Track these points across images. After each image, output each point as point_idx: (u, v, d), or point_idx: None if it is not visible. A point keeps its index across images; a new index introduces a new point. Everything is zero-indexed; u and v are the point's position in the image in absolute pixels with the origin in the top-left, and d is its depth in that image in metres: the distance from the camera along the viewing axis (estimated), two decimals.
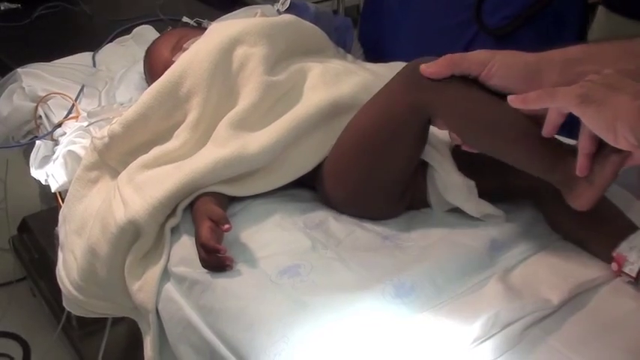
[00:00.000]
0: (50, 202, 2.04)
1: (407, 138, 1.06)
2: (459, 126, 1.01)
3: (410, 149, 1.08)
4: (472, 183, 1.07)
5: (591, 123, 0.83)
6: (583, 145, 0.88)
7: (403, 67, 1.04)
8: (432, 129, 1.09)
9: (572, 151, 0.91)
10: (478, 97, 0.98)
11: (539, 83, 0.93)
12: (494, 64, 0.96)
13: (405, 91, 1.03)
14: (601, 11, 1.58)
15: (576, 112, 0.84)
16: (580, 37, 1.55)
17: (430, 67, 0.98)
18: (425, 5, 1.56)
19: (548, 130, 0.92)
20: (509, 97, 0.92)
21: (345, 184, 1.12)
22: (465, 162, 1.10)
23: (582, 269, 0.98)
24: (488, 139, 0.99)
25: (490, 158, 1.06)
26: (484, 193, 1.08)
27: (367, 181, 1.09)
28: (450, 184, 1.09)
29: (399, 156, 1.07)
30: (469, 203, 1.07)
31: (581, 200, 0.92)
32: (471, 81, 0.99)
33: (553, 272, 0.97)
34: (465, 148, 1.04)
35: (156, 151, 1.18)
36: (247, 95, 1.19)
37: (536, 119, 0.94)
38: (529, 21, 1.44)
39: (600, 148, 0.87)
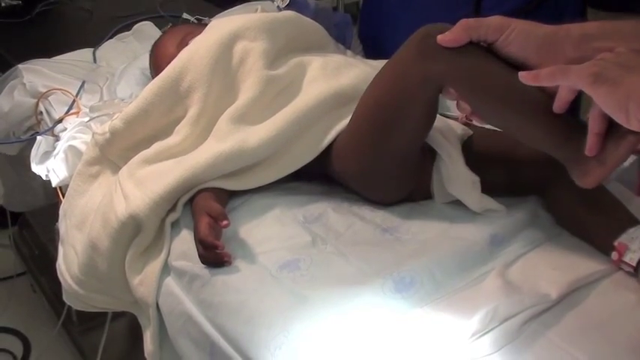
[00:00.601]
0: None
1: (418, 108, 1.04)
2: (471, 96, 0.99)
3: (420, 120, 1.07)
4: (477, 178, 1.07)
5: (603, 103, 0.82)
6: (593, 124, 0.87)
7: (413, 35, 1.01)
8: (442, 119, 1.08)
9: (584, 127, 0.90)
10: (492, 68, 0.96)
11: (555, 55, 0.92)
12: (513, 31, 0.94)
13: (417, 61, 1.00)
14: (590, 12, 1.58)
15: (588, 91, 0.82)
16: None
17: (447, 36, 0.96)
18: (424, 2, 1.56)
19: (558, 105, 0.91)
20: (520, 73, 0.90)
21: (359, 157, 1.11)
22: (474, 156, 1.10)
23: (581, 264, 0.98)
24: (499, 110, 0.97)
25: (499, 155, 1.06)
26: (489, 188, 1.08)
27: (380, 152, 1.09)
28: (455, 175, 1.09)
29: (410, 127, 1.06)
30: (471, 198, 1.08)
31: (588, 178, 0.90)
32: (485, 50, 0.97)
33: (552, 267, 0.98)
34: (474, 117, 1.03)
35: (157, 146, 1.18)
36: (247, 90, 1.19)
37: (550, 94, 0.92)
38: (528, 17, 1.44)
39: (615, 127, 0.86)
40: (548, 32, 0.94)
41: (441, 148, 1.11)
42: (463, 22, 0.96)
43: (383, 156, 1.09)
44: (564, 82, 0.86)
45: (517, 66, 0.94)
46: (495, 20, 0.96)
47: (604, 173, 0.89)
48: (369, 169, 1.11)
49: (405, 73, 1.02)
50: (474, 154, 1.11)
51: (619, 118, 0.81)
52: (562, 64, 0.89)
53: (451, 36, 0.96)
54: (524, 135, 0.98)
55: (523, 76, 0.89)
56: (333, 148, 1.16)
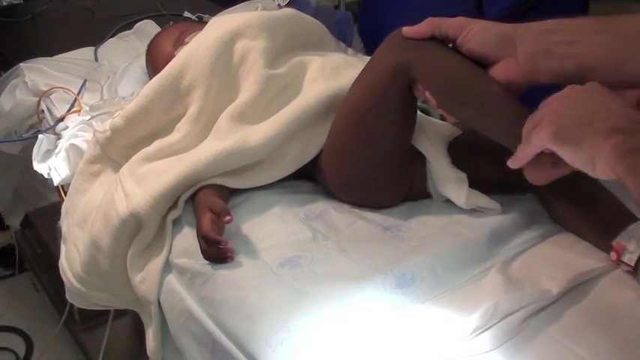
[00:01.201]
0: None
1: (394, 104, 1.06)
2: (435, 86, 1.01)
3: (399, 117, 1.08)
4: (463, 175, 1.08)
5: (569, 159, 0.81)
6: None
7: (388, 36, 1.06)
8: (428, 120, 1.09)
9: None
10: (455, 60, 0.99)
11: (514, 51, 0.95)
12: (472, 29, 0.98)
13: (388, 54, 1.05)
14: (592, 5, 1.59)
15: (555, 150, 0.82)
16: None
17: (411, 29, 1.02)
18: None
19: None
20: (509, 162, 0.90)
21: (343, 166, 1.12)
22: (467, 154, 1.11)
23: (582, 260, 0.98)
24: (458, 100, 1.00)
25: (492, 152, 1.06)
26: (483, 184, 1.09)
27: (363, 158, 1.10)
28: (442, 175, 1.10)
29: (390, 127, 1.08)
30: (458, 195, 1.08)
31: (538, 176, 0.91)
32: (447, 46, 1.01)
33: (552, 263, 0.98)
34: (439, 111, 1.05)
35: (157, 144, 1.18)
36: (248, 88, 1.19)
37: (511, 87, 0.95)
38: (530, 11, 1.45)
39: None
40: (507, 29, 0.97)
41: (424, 149, 1.12)
42: (428, 19, 1.02)
43: (366, 163, 1.10)
44: (533, 151, 0.86)
45: (478, 62, 0.98)
46: (457, 20, 1.00)
47: (556, 175, 0.89)
48: (354, 179, 1.12)
49: (379, 67, 1.06)
50: (467, 151, 1.12)
51: (586, 170, 0.80)
52: (521, 58, 0.93)
53: (415, 29, 1.02)
54: (483, 127, 1.00)
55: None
56: (317, 162, 1.16)
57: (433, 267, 0.96)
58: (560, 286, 0.92)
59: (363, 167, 1.10)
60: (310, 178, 1.20)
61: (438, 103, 1.01)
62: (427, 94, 1.02)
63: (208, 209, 1.04)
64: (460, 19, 1.00)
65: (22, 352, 2.19)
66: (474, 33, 0.97)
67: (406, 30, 1.02)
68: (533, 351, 0.85)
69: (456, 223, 1.06)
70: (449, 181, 1.09)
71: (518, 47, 0.94)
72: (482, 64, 0.98)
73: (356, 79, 1.12)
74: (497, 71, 0.96)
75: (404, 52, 1.02)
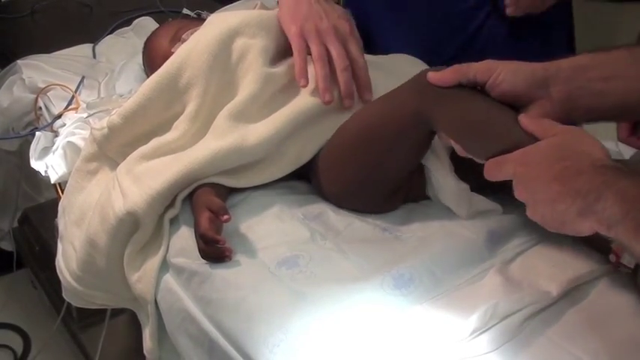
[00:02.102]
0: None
1: (407, 144, 1.05)
2: (461, 137, 0.99)
3: (410, 155, 1.07)
4: (465, 186, 1.07)
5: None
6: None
7: (413, 77, 1.04)
8: None
9: None
10: (483, 109, 0.97)
11: (547, 91, 0.94)
12: (502, 71, 0.96)
13: (410, 99, 1.02)
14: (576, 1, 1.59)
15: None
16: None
17: (437, 75, 0.98)
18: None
19: None
20: None
21: (341, 180, 1.12)
22: (465, 159, 1.10)
23: (581, 261, 0.98)
24: (489, 152, 0.95)
25: None
26: (484, 188, 1.08)
27: (363, 178, 1.09)
28: (444, 185, 1.09)
29: (398, 160, 1.07)
30: (459, 207, 1.07)
31: None
32: (477, 91, 0.98)
33: (552, 264, 0.97)
34: (462, 155, 1.02)
35: (155, 142, 1.18)
36: (246, 87, 1.19)
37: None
38: (512, 34, 1.44)
39: None
40: (537, 68, 0.95)
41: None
42: (455, 66, 0.98)
43: (366, 183, 1.09)
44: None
45: (510, 105, 0.96)
46: (485, 63, 0.98)
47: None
48: (350, 193, 1.11)
49: (398, 106, 1.04)
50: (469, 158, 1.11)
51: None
52: (556, 98, 0.92)
53: (440, 75, 0.98)
54: None
55: None
56: (313, 166, 1.16)
57: (432, 268, 0.96)
58: (559, 288, 0.92)
59: (362, 186, 1.10)
60: (308, 178, 1.19)
61: (465, 150, 0.99)
62: (452, 142, 1.00)
63: (206, 208, 1.04)
64: (487, 63, 0.98)
65: (19, 350, 2.20)
66: (504, 76, 0.95)
67: (432, 77, 0.98)
68: (532, 353, 0.85)
69: (455, 224, 1.05)
70: (450, 192, 1.08)
71: (552, 87, 0.93)
72: (514, 106, 0.96)
73: (371, 106, 1.12)
74: (532, 113, 0.94)
75: (427, 101, 0.99)
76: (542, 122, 0.91)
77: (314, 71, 1.18)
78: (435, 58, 1.37)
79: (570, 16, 1.53)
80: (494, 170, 0.91)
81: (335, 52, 1.18)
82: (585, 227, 0.81)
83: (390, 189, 1.11)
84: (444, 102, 0.98)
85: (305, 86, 1.16)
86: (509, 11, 1.28)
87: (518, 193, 0.87)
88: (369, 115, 1.10)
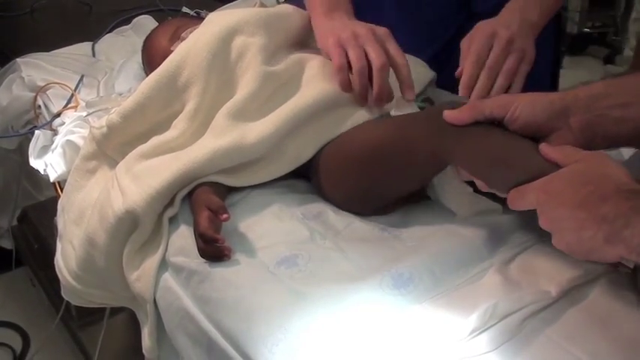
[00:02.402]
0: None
1: (418, 173, 1.05)
2: (481, 172, 0.98)
3: (417, 181, 1.07)
4: (469, 189, 1.06)
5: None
6: None
7: (427, 112, 1.04)
8: None
9: None
10: (500, 144, 0.96)
11: (566, 121, 0.94)
12: (518, 105, 0.95)
13: (427, 138, 1.01)
14: None
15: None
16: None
17: (453, 114, 0.97)
18: None
19: None
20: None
21: (343, 188, 1.11)
22: None
23: (580, 261, 0.97)
24: (509, 185, 0.94)
25: None
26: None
27: (365, 191, 1.09)
28: (446, 187, 1.08)
29: (405, 183, 1.07)
30: (461, 208, 1.07)
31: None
32: (494, 125, 0.98)
33: (552, 264, 0.97)
34: (485, 190, 1.01)
35: (154, 141, 1.18)
36: (245, 85, 1.18)
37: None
38: None
39: None
40: (555, 99, 0.95)
41: None
42: (470, 104, 0.98)
43: (369, 196, 1.09)
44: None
45: (530, 137, 0.95)
46: (500, 99, 0.98)
47: None
48: (351, 200, 1.11)
49: (413, 141, 1.02)
50: None
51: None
52: (576, 128, 0.92)
53: (457, 114, 0.97)
54: None
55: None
56: (313, 165, 1.15)
57: (431, 267, 0.95)
58: (558, 288, 0.91)
59: (363, 196, 1.10)
60: (308, 177, 1.19)
61: (489, 186, 0.98)
62: (474, 178, 1.00)
63: (206, 207, 1.04)
64: (503, 98, 0.98)
65: (18, 348, 2.20)
66: (521, 109, 0.95)
67: (448, 117, 0.97)
68: (532, 352, 0.85)
69: (454, 224, 1.05)
70: (451, 192, 1.08)
71: (571, 117, 0.93)
72: (534, 138, 0.95)
73: (384, 123, 1.11)
74: (553, 144, 0.94)
75: (445, 142, 0.98)
76: (564, 149, 0.91)
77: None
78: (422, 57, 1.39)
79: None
80: (517, 200, 0.90)
81: (373, 52, 1.16)
82: (613, 254, 0.81)
83: (392, 200, 1.11)
84: (463, 140, 0.97)
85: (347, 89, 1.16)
86: None
87: (542, 222, 0.87)
88: (380, 136, 1.08)
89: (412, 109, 1.18)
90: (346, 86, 1.17)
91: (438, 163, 1.01)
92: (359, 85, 1.16)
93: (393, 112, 1.17)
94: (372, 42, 1.18)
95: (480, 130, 0.97)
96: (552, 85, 1.61)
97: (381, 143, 1.07)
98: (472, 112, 0.97)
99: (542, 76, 1.54)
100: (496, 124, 0.98)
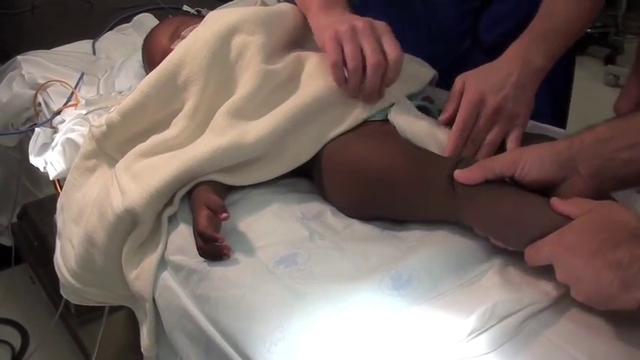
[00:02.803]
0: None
1: (426, 214, 1.05)
2: (496, 232, 0.98)
3: (425, 217, 1.06)
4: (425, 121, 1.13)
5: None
6: None
7: (444, 163, 1.02)
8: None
9: None
10: (512, 200, 0.96)
11: (575, 169, 0.94)
12: (527, 161, 0.96)
13: (438, 200, 1.01)
14: None
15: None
16: None
17: (463, 174, 0.98)
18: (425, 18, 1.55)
19: None
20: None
21: (346, 198, 1.11)
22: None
23: None
24: (523, 242, 0.94)
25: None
26: None
27: (368, 204, 1.09)
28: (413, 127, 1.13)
29: (411, 214, 1.07)
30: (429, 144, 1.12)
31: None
32: (505, 183, 0.98)
33: (550, 266, 0.97)
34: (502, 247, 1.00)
35: (153, 140, 1.17)
36: (245, 84, 1.18)
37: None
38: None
39: None
40: (562, 149, 0.95)
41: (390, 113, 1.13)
42: (480, 164, 0.98)
43: (372, 208, 1.09)
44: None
45: (543, 190, 0.96)
46: (508, 156, 0.99)
47: None
48: (353, 207, 1.11)
49: (429, 188, 1.01)
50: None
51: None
52: (585, 175, 0.93)
53: (468, 176, 0.97)
54: None
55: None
56: (319, 171, 1.15)
57: (430, 268, 0.95)
58: (558, 289, 0.91)
59: (366, 208, 1.10)
60: (308, 175, 1.19)
61: (505, 245, 0.98)
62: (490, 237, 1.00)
63: (205, 206, 1.04)
64: (511, 155, 0.99)
65: (17, 345, 2.20)
66: (530, 164, 0.95)
67: (459, 176, 0.97)
68: (531, 353, 0.85)
69: (454, 225, 1.04)
70: (418, 132, 1.11)
71: (580, 165, 0.94)
72: (547, 189, 0.96)
73: (397, 147, 1.09)
74: (565, 193, 0.94)
75: (455, 200, 0.99)
76: (575, 202, 0.91)
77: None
78: None
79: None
80: (534, 256, 0.91)
81: (369, 49, 1.14)
82: (633, 301, 0.81)
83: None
84: (475, 199, 0.97)
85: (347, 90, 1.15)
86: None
87: (559, 275, 0.87)
88: (394, 163, 1.05)
89: (410, 109, 1.19)
90: (341, 82, 1.16)
91: (449, 217, 1.02)
92: (352, 83, 1.15)
93: (391, 115, 1.18)
94: (368, 37, 1.15)
95: (492, 189, 0.97)
96: (567, 84, 1.60)
97: (394, 170, 1.05)
98: (482, 172, 0.97)
99: (556, 76, 1.54)
100: (507, 181, 0.99)
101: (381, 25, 1.19)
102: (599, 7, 1.30)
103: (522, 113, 1.16)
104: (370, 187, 1.07)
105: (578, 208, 0.90)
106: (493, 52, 1.31)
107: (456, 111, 1.15)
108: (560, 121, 1.58)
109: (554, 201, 0.92)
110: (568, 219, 0.89)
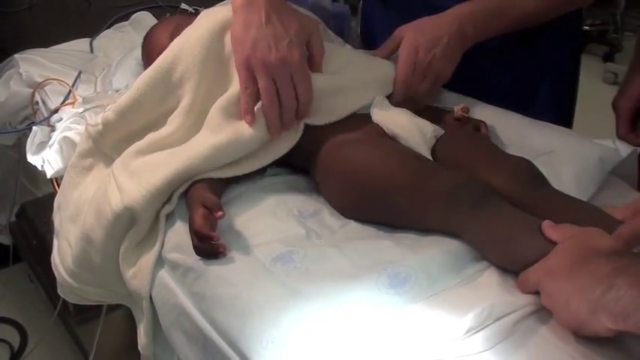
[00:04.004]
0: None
1: (424, 225, 1.04)
2: (489, 253, 0.98)
3: (422, 227, 1.06)
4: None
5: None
6: None
7: (445, 180, 1.01)
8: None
9: None
10: (506, 221, 0.96)
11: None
12: None
13: (441, 209, 1.00)
14: None
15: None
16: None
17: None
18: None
19: None
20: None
21: (342, 202, 1.11)
22: (442, 159, 1.13)
23: None
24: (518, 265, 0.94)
25: (463, 162, 1.08)
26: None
27: (365, 210, 1.09)
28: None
29: (408, 223, 1.06)
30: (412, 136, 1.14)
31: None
32: (504, 203, 0.98)
33: None
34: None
35: (150, 137, 1.17)
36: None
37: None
38: (523, 40, 1.44)
39: None
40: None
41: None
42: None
43: (369, 214, 1.09)
44: None
45: None
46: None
47: None
48: (350, 210, 1.11)
49: (427, 202, 1.01)
50: (440, 157, 1.13)
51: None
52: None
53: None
54: None
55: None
56: (314, 171, 1.16)
57: (427, 267, 0.95)
58: None
59: (362, 213, 1.09)
60: (306, 172, 1.19)
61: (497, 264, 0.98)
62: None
63: (201, 204, 1.04)
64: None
65: (16, 343, 2.20)
66: None
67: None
68: (527, 352, 0.84)
69: None
70: (402, 126, 1.13)
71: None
72: None
73: (397, 155, 1.09)
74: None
75: (452, 217, 0.99)
76: (562, 227, 0.91)
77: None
78: None
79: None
80: (523, 284, 0.90)
81: (282, 89, 1.13)
82: (601, 327, 0.78)
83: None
84: (474, 217, 0.97)
85: (251, 122, 1.12)
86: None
87: (542, 300, 0.87)
88: (393, 174, 1.05)
89: (388, 106, 1.23)
90: (250, 112, 1.13)
91: (445, 230, 1.01)
92: (269, 121, 1.13)
93: (374, 113, 1.21)
94: (279, 75, 1.13)
95: (490, 209, 0.97)
96: (573, 83, 1.60)
97: (392, 182, 1.04)
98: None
99: (562, 75, 1.55)
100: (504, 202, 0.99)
101: (295, 59, 1.14)
102: (568, 5, 1.38)
103: (445, 73, 1.30)
104: (367, 197, 1.07)
105: (564, 233, 0.89)
106: (493, 53, 1.32)
107: (389, 54, 1.34)
108: (567, 119, 1.59)
109: (545, 225, 0.92)
110: (555, 244, 0.89)
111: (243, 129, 1.12)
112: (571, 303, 0.80)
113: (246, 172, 1.15)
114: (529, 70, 1.49)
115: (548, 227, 0.92)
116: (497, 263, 0.97)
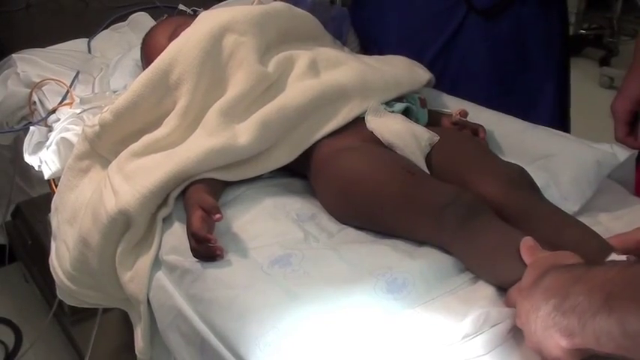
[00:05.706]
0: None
1: (416, 236, 1.04)
2: (473, 268, 0.98)
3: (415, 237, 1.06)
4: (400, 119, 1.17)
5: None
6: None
7: (439, 197, 1.01)
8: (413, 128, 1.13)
9: None
10: (490, 239, 0.96)
11: None
12: None
13: (426, 227, 1.01)
14: None
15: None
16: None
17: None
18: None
19: None
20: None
21: (339, 211, 1.11)
22: (436, 166, 1.14)
23: None
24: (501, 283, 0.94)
25: (455, 169, 1.10)
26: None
27: (360, 219, 1.09)
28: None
29: (400, 232, 1.06)
30: (408, 144, 1.14)
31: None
32: (495, 219, 0.98)
33: None
34: None
35: (145, 140, 1.17)
36: (237, 84, 1.18)
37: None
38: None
39: None
40: None
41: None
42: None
43: (365, 222, 1.09)
44: None
45: None
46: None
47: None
48: (346, 217, 1.11)
49: (419, 215, 1.01)
50: (435, 163, 1.14)
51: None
52: None
53: None
54: None
55: None
56: (312, 175, 1.16)
57: (425, 273, 0.95)
58: None
59: (357, 222, 1.10)
60: (304, 176, 1.19)
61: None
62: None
63: (198, 206, 1.03)
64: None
65: (11, 343, 2.19)
66: None
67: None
68: (524, 355, 0.85)
69: None
70: (397, 134, 1.13)
71: None
72: None
73: (390, 164, 1.09)
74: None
75: (441, 233, 0.99)
76: (536, 249, 0.89)
77: None
78: (421, 58, 1.41)
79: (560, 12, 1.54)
80: (508, 305, 0.89)
81: None
82: (557, 348, 0.75)
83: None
84: (460, 235, 0.97)
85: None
86: None
87: (516, 321, 0.85)
88: (384, 187, 1.05)
89: (383, 112, 1.22)
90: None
91: (435, 242, 1.01)
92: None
93: (368, 120, 1.20)
94: None
95: (476, 228, 0.96)
96: (567, 86, 1.61)
97: (385, 195, 1.05)
98: None
99: (559, 79, 1.55)
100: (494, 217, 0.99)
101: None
102: None
103: None
104: (358, 208, 1.08)
105: (534, 254, 0.88)
106: (489, 16, 1.32)
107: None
108: (564, 123, 1.60)
109: (523, 244, 0.90)
110: None
111: (239, 135, 1.12)
112: (530, 321, 0.79)
113: (248, 177, 1.15)
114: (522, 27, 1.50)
115: (524, 248, 0.90)
116: (483, 280, 0.97)
